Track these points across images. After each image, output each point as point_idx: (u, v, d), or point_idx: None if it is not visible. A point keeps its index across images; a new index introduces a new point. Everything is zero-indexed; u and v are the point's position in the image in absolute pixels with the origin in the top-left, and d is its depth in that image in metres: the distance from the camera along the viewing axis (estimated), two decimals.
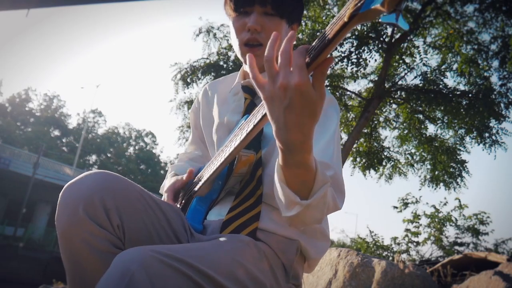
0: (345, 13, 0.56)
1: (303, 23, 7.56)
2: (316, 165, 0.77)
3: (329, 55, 0.64)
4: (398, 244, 8.21)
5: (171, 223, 0.93)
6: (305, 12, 7.36)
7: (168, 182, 1.17)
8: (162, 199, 1.12)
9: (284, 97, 0.64)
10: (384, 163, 8.75)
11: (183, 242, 0.94)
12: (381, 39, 7.29)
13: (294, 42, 0.67)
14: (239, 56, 1.10)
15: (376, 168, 8.67)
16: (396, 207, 8.75)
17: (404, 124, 8.53)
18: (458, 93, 7.27)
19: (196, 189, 1.05)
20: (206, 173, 1.01)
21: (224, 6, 1.11)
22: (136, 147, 42.20)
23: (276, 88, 0.65)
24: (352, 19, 0.56)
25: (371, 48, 7.22)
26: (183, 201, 1.12)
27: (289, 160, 0.73)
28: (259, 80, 0.68)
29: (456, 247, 8.48)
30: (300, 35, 7.18)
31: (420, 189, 8.47)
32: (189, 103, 8.63)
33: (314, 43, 0.63)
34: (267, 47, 0.67)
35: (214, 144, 1.17)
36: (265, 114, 0.76)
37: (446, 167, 8.01)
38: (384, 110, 8.70)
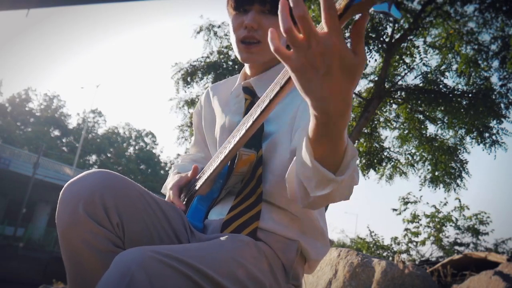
0: (340, 6, 0.57)
1: None
2: (346, 136, 0.71)
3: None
4: (398, 244, 8.23)
5: (171, 222, 0.93)
6: None
7: (172, 179, 1.17)
8: (167, 196, 1.12)
9: (321, 64, 0.58)
10: (384, 163, 8.75)
11: (183, 241, 0.94)
12: (381, 39, 7.29)
13: None
14: (236, 53, 1.10)
15: (377, 169, 8.66)
16: (396, 210, 8.75)
17: (404, 124, 8.52)
18: (458, 93, 7.27)
19: (197, 187, 1.06)
20: (208, 171, 1.01)
21: (226, 6, 1.13)
22: (136, 147, 42.21)
23: (310, 56, 0.58)
24: (347, 11, 0.56)
25: (371, 48, 7.21)
26: (185, 200, 1.12)
27: (326, 132, 0.66)
28: (283, 52, 0.60)
29: (456, 247, 8.50)
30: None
31: (420, 190, 8.47)
32: (189, 102, 8.63)
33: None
34: (280, 18, 0.59)
35: (216, 146, 1.17)
36: (265, 108, 0.74)
37: (446, 167, 8.01)
38: (384, 110, 8.69)
